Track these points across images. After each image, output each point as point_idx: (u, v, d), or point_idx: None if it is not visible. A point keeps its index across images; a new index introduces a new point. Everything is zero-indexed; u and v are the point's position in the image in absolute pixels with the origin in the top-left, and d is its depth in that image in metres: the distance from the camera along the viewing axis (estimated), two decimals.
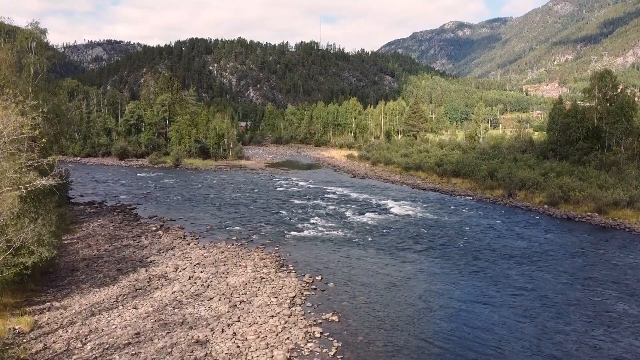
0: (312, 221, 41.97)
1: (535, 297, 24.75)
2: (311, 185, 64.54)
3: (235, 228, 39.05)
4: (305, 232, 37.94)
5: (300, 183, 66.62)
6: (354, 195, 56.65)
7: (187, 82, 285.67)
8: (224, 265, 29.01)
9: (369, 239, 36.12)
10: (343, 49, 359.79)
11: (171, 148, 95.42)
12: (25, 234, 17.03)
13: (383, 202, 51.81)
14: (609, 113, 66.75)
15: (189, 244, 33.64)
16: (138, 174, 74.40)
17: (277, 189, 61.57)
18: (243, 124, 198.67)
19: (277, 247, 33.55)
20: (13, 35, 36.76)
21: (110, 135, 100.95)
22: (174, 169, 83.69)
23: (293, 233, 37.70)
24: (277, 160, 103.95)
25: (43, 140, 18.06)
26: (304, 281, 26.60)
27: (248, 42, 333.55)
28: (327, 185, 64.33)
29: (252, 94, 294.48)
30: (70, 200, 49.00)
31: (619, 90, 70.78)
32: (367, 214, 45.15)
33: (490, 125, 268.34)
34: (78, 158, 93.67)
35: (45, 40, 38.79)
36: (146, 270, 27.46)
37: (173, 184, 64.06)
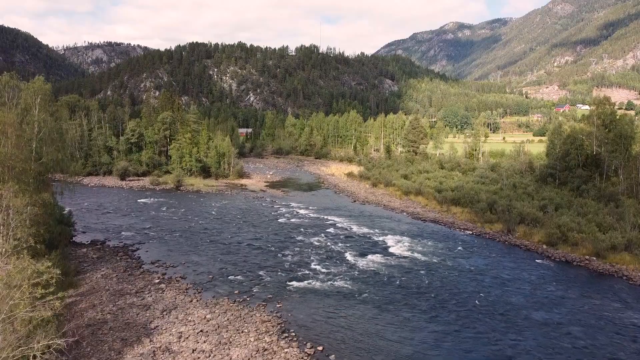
0: (312, 266, 42.42)
1: None
2: (311, 214, 64.98)
3: (237, 277, 39.49)
4: (306, 283, 38.37)
5: (300, 212, 67.05)
6: (354, 228, 57.09)
7: (187, 87, 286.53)
8: (227, 331, 29.47)
9: (370, 293, 36.45)
10: (343, 53, 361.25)
11: (172, 167, 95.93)
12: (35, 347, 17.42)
13: (383, 238, 52.26)
14: (608, 141, 67.20)
15: (191, 301, 34.10)
16: (139, 200, 74.86)
17: (278, 219, 62.00)
18: (243, 130, 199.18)
19: (278, 304, 33.99)
20: (18, 89, 37.20)
21: (111, 153, 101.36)
22: (175, 192, 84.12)
23: (294, 283, 38.16)
24: (278, 178, 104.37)
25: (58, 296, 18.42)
26: (306, 352, 27.06)
27: (248, 46, 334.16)
28: (327, 214, 64.77)
29: (252, 99, 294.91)
30: (73, 240, 49.46)
31: (617, 117, 71.16)
32: (368, 257, 45.54)
33: (490, 130, 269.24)
34: (79, 178, 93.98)
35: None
36: (150, 341, 27.89)
37: (174, 215, 64.48)
